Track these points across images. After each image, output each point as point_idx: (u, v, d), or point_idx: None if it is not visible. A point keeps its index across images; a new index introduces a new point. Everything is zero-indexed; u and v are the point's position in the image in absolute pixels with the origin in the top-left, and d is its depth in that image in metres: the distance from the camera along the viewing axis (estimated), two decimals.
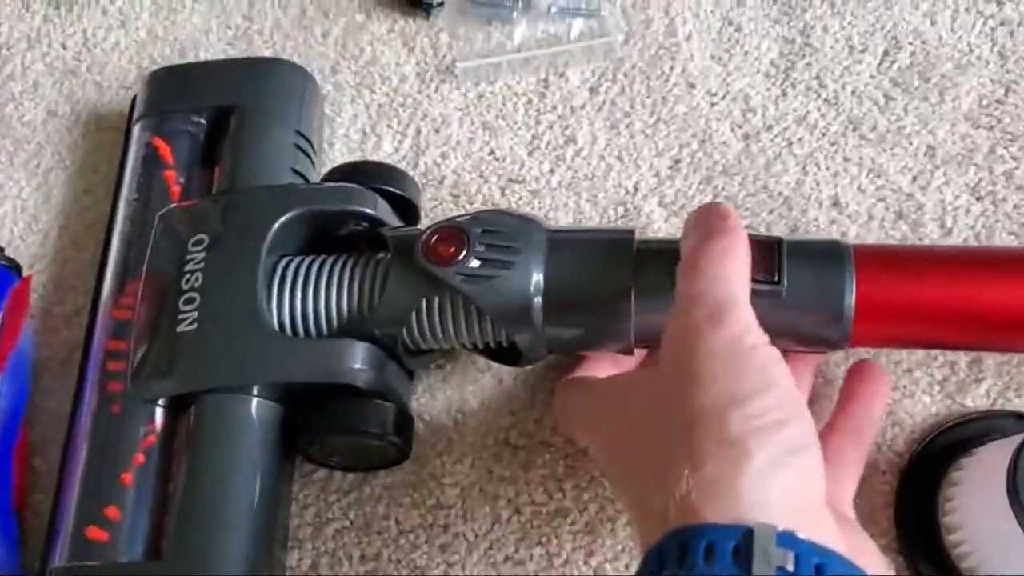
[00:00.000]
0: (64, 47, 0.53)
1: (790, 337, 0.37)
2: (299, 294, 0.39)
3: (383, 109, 0.50)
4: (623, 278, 0.37)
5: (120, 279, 0.43)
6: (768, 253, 0.36)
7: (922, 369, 0.42)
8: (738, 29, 0.51)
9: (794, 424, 0.30)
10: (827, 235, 0.45)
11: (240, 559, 0.37)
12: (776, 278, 0.36)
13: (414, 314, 0.38)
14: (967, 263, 0.38)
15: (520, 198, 0.47)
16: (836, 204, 0.46)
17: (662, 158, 0.48)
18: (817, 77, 0.49)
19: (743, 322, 0.32)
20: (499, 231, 0.38)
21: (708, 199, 0.47)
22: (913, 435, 0.41)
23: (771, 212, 0.46)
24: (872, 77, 0.49)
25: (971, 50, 0.49)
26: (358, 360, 0.38)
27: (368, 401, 0.39)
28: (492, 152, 0.48)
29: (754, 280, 0.35)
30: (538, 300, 0.37)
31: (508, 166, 0.48)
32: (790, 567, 0.26)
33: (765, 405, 0.29)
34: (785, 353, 0.32)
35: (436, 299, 0.38)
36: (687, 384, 0.30)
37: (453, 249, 0.37)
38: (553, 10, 0.51)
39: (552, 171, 0.48)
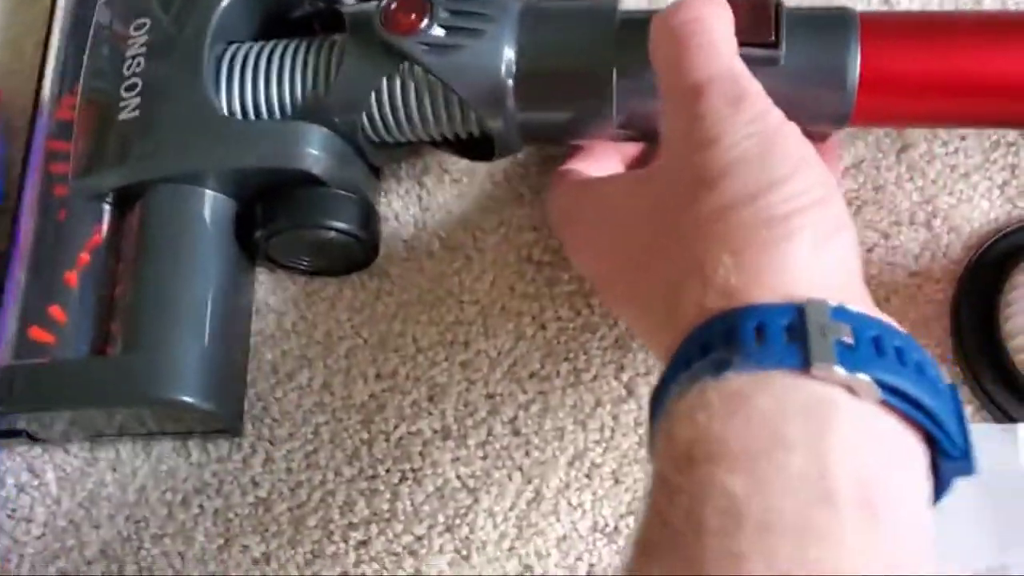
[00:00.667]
0: None
1: (787, 111, 0.32)
2: (249, 79, 0.36)
3: None
4: (604, 54, 0.34)
5: (60, 80, 0.40)
6: (764, 13, 0.32)
7: (980, 173, 0.39)
8: None
9: (832, 203, 0.28)
10: None
11: (192, 357, 0.34)
12: (774, 39, 0.32)
13: (374, 95, 0.35)
14: (987, 29, 0.34)
15: None
16: None
17: None
18: None
19: (764, 99, 0.29)
20: None
21: None
22: (971, 241, 0.38)
23: None
24: None
25: None
26: (314, 144, 0.35)
27: (328, 190, 0.36)
28: None
29: (748, 44, 0.32)
30: (510, 76, 0.34)
31: None
32: (848, 339, 0.24)
33: (802, 185, 0.27)
34: None
35: (398, 77, 0.35)
36: (715, 175, 0.28)
37: (415, 16, 0.34)
38: None
39: None
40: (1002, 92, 0.34)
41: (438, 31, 0.34)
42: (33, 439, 0.37)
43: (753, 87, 0.30)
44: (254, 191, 0.36)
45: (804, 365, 0.24)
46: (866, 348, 0.25)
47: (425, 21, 0.33)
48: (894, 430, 0.24)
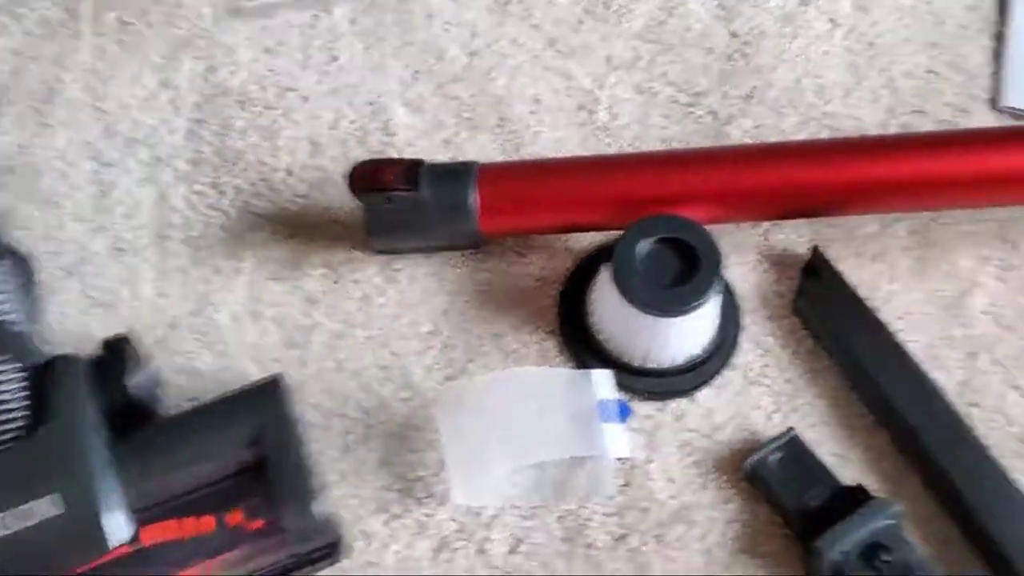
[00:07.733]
0: None
1: (438, 234, 0.52)
2: None
3: (186, 39, 0.62)
4: None
5: None
6: (413, 169, 0.51)
7: None
8: None
9: None
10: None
11: None
12: (416, 187, 0.51)
13: None
14: (563, 168, 0.54)
15: (291, 103, 0.60)
16: (536, 100, 0.60)
17: (406, 71, 0.61)
18: (527, 9, 0.63)
19: None
20: None
21: (441, 101, 0.60)
22: (578, 257, 0.55)
23: (488, 107, 0.60)
24: (569, 7, 0.63)
25: None
26: None
27: None
28: (271, 69, 0.61)
29: (402, 189, 0.50)
30: None
31: (283, 79, 0.61)
32: None
33: None
34: None
35: None
36: None
37: None
38: None
39: (319, 82, 0.61)
40: (583, 206, 0.53)
41: None
42: None
43: None
44: None
45: None
46: None
47: None
48: None
